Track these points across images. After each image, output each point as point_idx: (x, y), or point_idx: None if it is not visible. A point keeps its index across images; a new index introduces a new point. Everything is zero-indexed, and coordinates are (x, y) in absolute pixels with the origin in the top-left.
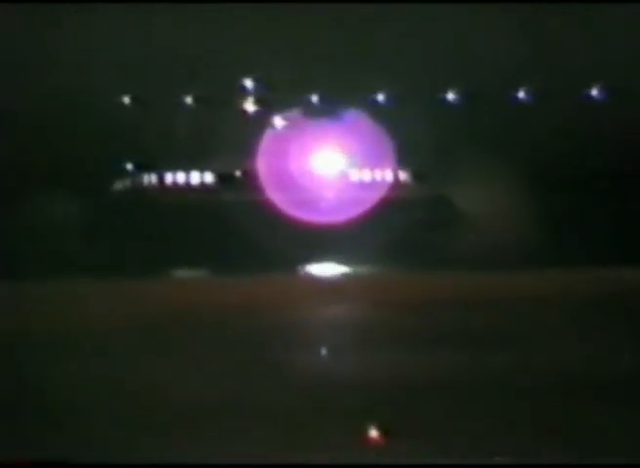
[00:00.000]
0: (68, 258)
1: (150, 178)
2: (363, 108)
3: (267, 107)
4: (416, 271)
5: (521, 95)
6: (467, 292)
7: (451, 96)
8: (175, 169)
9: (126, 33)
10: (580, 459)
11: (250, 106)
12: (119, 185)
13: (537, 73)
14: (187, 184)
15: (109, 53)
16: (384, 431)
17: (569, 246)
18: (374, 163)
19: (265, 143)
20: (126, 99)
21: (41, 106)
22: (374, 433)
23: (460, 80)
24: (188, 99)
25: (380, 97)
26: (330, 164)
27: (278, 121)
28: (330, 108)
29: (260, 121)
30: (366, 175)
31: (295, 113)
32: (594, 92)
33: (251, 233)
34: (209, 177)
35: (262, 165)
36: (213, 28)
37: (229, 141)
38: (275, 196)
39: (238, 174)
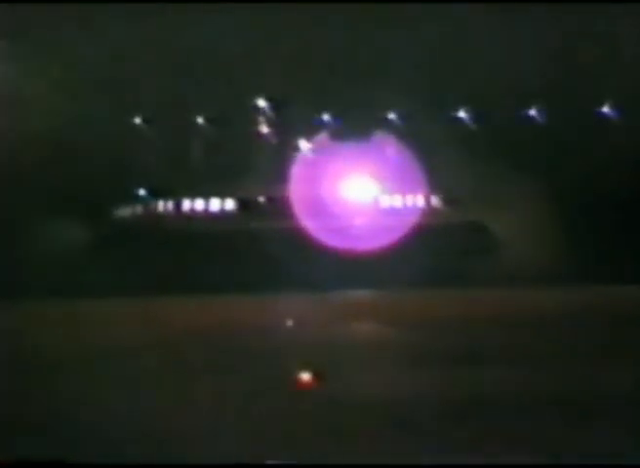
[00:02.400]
0: (77, 280)
1: (166, 205)
2: (377, 127)
3: (282, 128)
4: (450, 293)
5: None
6: (503, 311)
7: (464, 114)
8: (191, 195)
9: (139, 53)
10: None
11: (264, 127)
12: (128, 212)
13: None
14: (206, 211)
15: (124, 74)
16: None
17: (600, 267)
18: (404, 188)
19: (293, 168)
20: (137, 121)
21: (54, 131)
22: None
23: (474, 100)
24: (201, 120)
25: (392, 116)
26: (360, 189)
27: (305, 145)
28: (357, 131)
29: (282, 144)
30: (397, 201)
31: (321, 137)
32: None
33: (276, 263)
34: (230, 204)
35: (290, 190)
36: (226, 48)
37: (248, 166)
38: (304, 223)
39: (262, 200)
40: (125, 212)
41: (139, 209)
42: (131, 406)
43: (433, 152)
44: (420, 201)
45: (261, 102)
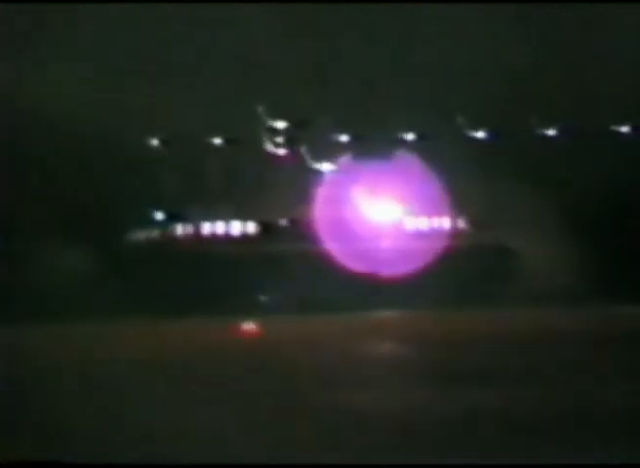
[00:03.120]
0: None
1: (185, 229)
2: (397, 147)
3: (297, 148)
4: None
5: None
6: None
7: (482, 134)
8: (209, 218)
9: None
10: None
11: (280, 149)
12: (143, 236)
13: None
14: (227, 234)
15: (137, 95)
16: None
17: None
18: (429, 210)
19: (316, 190)
20: (155, 142)
21: (69, 151)
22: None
23: (491, 118)
24: (218, 141)
25: (410, 136)
26: (384, 211)
27: (327, 166)
28: (378, 152)
29: (303, 166)
30: (422, 224)
31: (343, 158)
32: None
33: (298, 288)
34: (251, 227)
35: (313, 213)
36: (241, 70)
37: (269, 188)
38: (328, 246)
39: (284, 223)
40: (141, 235)
41: (155, 233)
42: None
43: (455, 173)
44: (445, 223)
45: (280, 124)
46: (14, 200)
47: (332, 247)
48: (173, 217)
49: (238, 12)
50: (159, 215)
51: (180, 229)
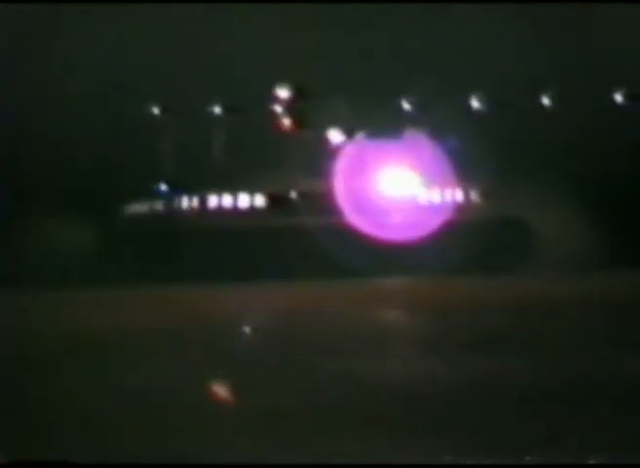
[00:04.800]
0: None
1: (190, 201)
2: (393, 114)
3: (305, 119)
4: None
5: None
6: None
7: (478, 103)
8: (213, 190)
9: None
10: None
11: (288, 118)
12: (146, 208)
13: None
14: (235, 207)
15: (138, 62)
16: None
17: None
18: (440, 182)
19: (328, 164)
20: (155, 110)
21: (69, 120)
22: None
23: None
24: (218, 110)
25: (406, 105)
26: (396, 185)
27: (337, 136)
28: (390, 128)
29: (312, 137)
30: (435, 196)
31: (357, 135)
32: None
33: (311, 261)
34: (259, 200)
35: (327, 185)
36: (245, 34)
37: (273, 159)
38: (339, 220)
39: (294, 195)
40: (144, 207)
41: (159, 205)
42: None
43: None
44: (457, 195)
45: (283, 92)
46: (11, 170)
47: (343, 220)
48: (176, 189)
49: None
50: (162, 187)
51: (184, 202)
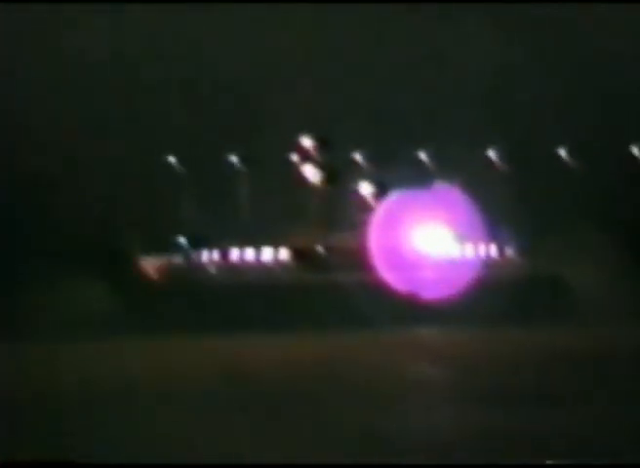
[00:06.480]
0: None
1: (211, 255)
2: (406, 165)
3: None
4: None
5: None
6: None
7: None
8: (235, 243)
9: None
10: None
11: (315, 175)
12: (165, 261)
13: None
14: (258, 261)
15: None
16: None
17: None
18: (474, 237)
19: (358, 218)
20: (172, 159)
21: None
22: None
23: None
24: (235, 160)
25: (423, 156)
26: (428, 240)
27: (365, 189)
28: (419, 179)
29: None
30: (468, 252)
31: (387, 188)
32: None
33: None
34: (284, 254)
35: (355, 241)
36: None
37: (301, 212)
38: (368, 276)
39: (320, 250)
40: (163, 261)
41: (178, 258)
42: None
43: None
44: (492, 251)
45: (307, 142)
46: (26, 219)
47: (371, 276)
48: (197, 242)
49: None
50: (181, 240)
51: (205, 255)
